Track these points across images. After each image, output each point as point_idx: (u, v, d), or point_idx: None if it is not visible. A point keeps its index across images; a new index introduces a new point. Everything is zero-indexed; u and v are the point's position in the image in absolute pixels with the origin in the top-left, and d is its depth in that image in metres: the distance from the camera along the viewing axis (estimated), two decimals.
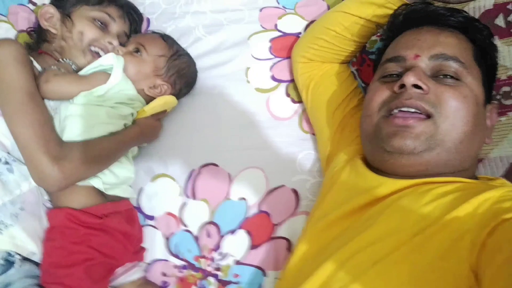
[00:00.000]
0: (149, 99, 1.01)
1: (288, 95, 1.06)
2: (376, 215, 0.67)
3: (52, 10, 1.00)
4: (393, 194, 0.69)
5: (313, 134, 1.02)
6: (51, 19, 1.00)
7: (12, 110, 0.83)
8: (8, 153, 0.87)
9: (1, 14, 1.18)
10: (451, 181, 0.68)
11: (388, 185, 0.70)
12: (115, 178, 0.94)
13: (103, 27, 1.01)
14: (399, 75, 0.75)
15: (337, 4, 1.07)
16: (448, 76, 0.71)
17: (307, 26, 1.09)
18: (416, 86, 0.69)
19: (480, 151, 0.78)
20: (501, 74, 0.91)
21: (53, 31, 0.99)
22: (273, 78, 1.07)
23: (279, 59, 1.09)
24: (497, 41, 0.91)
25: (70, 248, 0.86)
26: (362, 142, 0.81)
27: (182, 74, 1.04)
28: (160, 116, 1.03)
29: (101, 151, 0.88)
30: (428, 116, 0.69)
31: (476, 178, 0.76)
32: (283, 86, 1.07)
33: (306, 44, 0.99)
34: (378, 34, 1.00)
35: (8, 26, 1.17)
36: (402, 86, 0.70)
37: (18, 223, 0.86)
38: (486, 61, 0.77)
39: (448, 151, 0.69)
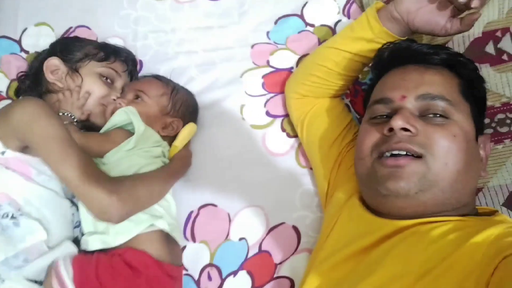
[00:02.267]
0: (167, 140, 1.01)
1: (283, 129, 1.06)
2: (379, 259, 0.66)
3: (58, 63, 1.00)
4: (394, 235, 0.68)
5: (311, 168, 1.02)
6: (57, 72, 1.00)
7: (57, 158, 0.83)
8: (19, 209, 0.86)
9: None
10: (450, 219, 0.67)
11: (388, 227, 0.70)
12: (170, 218, 0.94)
13: (110, 83, 1.01)
14: (388, 116, 0.75)
15: (327, 37, 1.10)
16: (437, 115, 0.71)
17: (299, 60, 1.10)
18: (404, 129, 0.69)
19: (477, 184, 0.77)
20: (495, 102, 0.91)
21: (59, 85, 0.99)
22: (268, 114, 1.08)
23: (273, 94, 1.09)
24: (489, 69, 0.92)
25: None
26: (359, 184, 0.81)
27: (187, 106, 1.05)
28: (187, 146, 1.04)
29: (149, 183, 0.90)
30: (419, 156, 0.69)
31: (476, 211, 0.75)
32: (278, 121, 1.07)
33: (298, 80, 1.00)
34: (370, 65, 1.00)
35: (1, 75, 1.18)
36: (391, 129, 0.70)
37: (21, 275, 0.84)
38: (474, 94, 0.76)
39: (443, 191, 0.68)
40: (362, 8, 1.11)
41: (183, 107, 1.04)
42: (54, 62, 1.00)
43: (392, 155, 0.70)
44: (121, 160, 0.92)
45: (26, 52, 1.19)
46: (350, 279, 0.67)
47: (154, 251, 0.88)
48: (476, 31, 0.94)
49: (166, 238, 0.91)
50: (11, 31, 1.21)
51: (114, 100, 1.01)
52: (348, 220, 0.79)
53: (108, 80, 1.02)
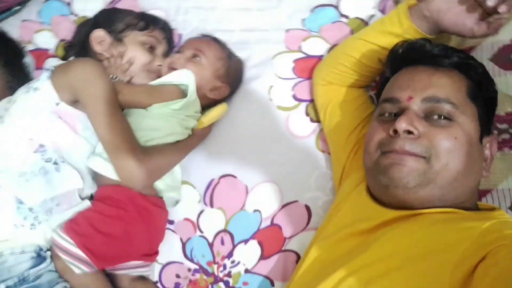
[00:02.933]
0: (205, 103, 1.07)
1: (307, 114, 1.11)
2: (373, 241, 0.71)
3: (103, 34, 1.07)
4: (391, 223, 0.73)
5: (329, 153, 1.07)
6: (103, 43, 1.06)
7: (101, 119, 0.92)
8: (62, 157, 0.95)
9: (45, 23, 1.28)
10: (445, 211, 0.72)
11: (387, 215, 0.75)
12: (172, 181, 1.03)
13: (151, 50, 1.08)
14: (396, 114, 0.78)
15: (359, 29, 1.12)
16: (441, 117, 0.74)
17: (330, 49, 1.14)
18: (408, 131, 0.73)
19: (478, 183, 0.81)
20: None
21: (106, 54, 1.05)
22: (295, 97, 1.12)
23: (301, 79, 1.14)
24: None
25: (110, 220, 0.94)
26: (365, 174, 0.86)
27: (237, 74, 1.11)
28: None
29: (171, 157, 0.99)
30: (423, 157, 0.72)
31: (477, 207, 0.79)
32: (303, 106, 1.12)
33: (326, 67, 1.04)
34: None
35: (50, 34, 1.27)
36: (396, 131, 0.74)
37: (51, 218, 0.93)
38: (483, 95, 0.79)
39: (442, 188, 0.72)
40: (397, 4, 1.14)
41: (233, 75, 1.09)
42: (99, 33, 1.07)
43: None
44: (163, 116, 0.98)
45: (75, 15, 1.27)
46: (346, 256, 0.73)
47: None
48: (506, 38, 0.96)
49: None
50: None
51: (159, 66, 1.08)
52: (353, 205, 0.85)
53: (150, 48, 1.08)
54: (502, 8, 0.76)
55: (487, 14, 0.83)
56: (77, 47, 1.11)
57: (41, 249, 0.91)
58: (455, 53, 0.81)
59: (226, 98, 1.11)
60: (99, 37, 1.07)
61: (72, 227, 0.92)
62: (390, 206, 0.77)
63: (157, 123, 0.99)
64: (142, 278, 1.05)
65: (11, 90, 1.06)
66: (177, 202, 1.07)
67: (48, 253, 0.92)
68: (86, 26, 1.12)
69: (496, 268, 0.56)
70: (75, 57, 1.11)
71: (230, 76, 1.09)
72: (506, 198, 0.90)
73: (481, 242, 0.61)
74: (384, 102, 0.82)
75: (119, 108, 0.95)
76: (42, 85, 0.95)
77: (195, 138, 1.06)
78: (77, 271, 0.90)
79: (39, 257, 0.90)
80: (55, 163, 0.94)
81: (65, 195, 0.95)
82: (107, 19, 1.11)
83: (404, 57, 0.84)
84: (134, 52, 1.06)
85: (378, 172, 0.77)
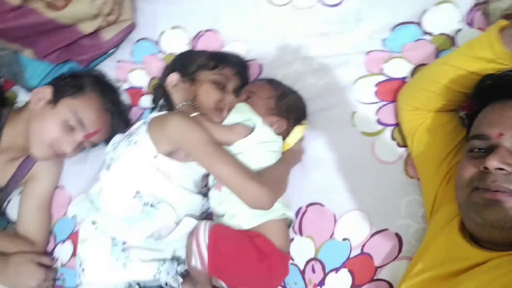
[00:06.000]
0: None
1: (393, 139, 1.10)
2: (458, 284, 0.70)
3: (177, 77, 1.15)
4: (481, 265, 0.71)
5: (418, 179, 1.04)
6: (177, 86, 1.14)
7: (212, 159, 1.00)
8: (158, 202, 1.04)
9: (138, 62, 1.39)
10: None
11: (478, 256, 0.73)
12: (283, 198, 1.07)
13: (222, 87, 1.14)
14: (487, 150, 0.76)
15: (445, 46, 1.09)
16: None
17: (414, 69, 1.11)
18: (500, 169, 0.70)
19: None
20: None
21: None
22: (379, 122, 1.12)
23: (385, 102, 1.12)
24: None
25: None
26: (459, 209, 0.83)
27: (291, 110, 1.14)
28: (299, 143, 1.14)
29: (280, 174, 1.05)
30: None
31: None
32: (388, 130, 1.10)
33: (412, 93, 1.02)
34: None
35: (143, 72, 1.37)
36: (486, 167, 0.72)
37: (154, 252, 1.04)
38: None
39: None
40: (487, 16, 1.08)
41: (286, 111, 1.12)
42: (174, 77, 1.15)
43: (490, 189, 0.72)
44: (251, 150, 1.04)
45: (164, 53, 1.36)
46: None
47: (279, 240, 1.01)
48: None
49: (288, 228, 1.05)
50: (150, 33, 1.39)
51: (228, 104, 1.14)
52: (445, 242, 0.83)
53: (220, 85, 1.14)
54: None
55: None
56: (162, 88, 1.19)
57: (130, 285, 1.03)
58: None
59: (288, 131, 1.11)
60: (174, 80, 1.14)
61: (216, 232, 1.00)
62: (486, 244, 0.75)
63: (248, 156, 1.04)
64: None
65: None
66: (292, 222, 1.10)
67: (136, 286, 1.03)
68: (167, 70, 1.21)
69: None
70: (163, 98, 1.19)
71: (283, 112, 1.11)
72: None
73: None
74: (473, 139, 0.80)
75: (218, 144, 1.02)
76: (141, 139, 1.04)
77: (291, 156, 1.10)
78: (192, 263, 0.99)
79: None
80: (152, 205, 1.04)
81: (164, 227, 1.05)
82: (182, 62, 1.20)
83: (493, 92, 0.81)
84: (205, 91, 1.12)
85: (471, 210, 0.75)
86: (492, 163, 0.71)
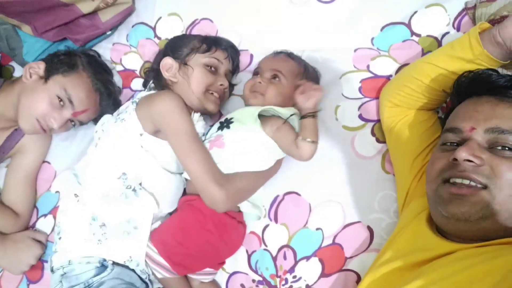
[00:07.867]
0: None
1: (373, 134, 1.11)
2: (423, 273, 0.71)
3: (171, 61, 1.16)
4: (447, 255, 0.72)
5: (394, 175, 1.06)
6: (171, 69, 1.16)
7: (185, 151, 1.02)
8: (140, 183, 1.07)
9: (133, 46, 1.41)
10: (508, 242, 0.69)
11: (443, 247, 0.74)
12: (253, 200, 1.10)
13: (214, 71, 1.16)
14: (458, 144, 0.78)
15: (431, 48, 1.11)
16: (505, 148, 0.73)
17: (399, 69, 1.13)
18: (468, 161, 0.72)
19: None
20: None
21: (173, 79, 1.15)
22: (361, 117, 1.13)
23: (368, 99, 1.14)
24: None
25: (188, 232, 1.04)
26: (428, 202, 0.85)
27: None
28: None
29: (250, 182, 1.05)
30: (484, 186, 0.71)
31: None
32: (369, 126, 1.12)
33: (393, 90, 1.04)
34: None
35: (137, 56, 1.40)
36: (456, 159, 0.74)
37: (129, 239, 1.06)
38: None
39: (506, 220, 0.71)
40: (474, 21, 1.09)
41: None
42: (167, 61, 1.16)
43: (456, 184, 0.74)
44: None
45: (159, 38, 1.39)
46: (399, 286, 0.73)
47: None
48: None
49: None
50: (148, 18, 1.42)
51: (221, 85, 1.16)
52: (412, 233, 0.84)
53: (212, 69, 1.16)
54: None
55: None
56: (154, 72, 1.21)
57: (104, 260, 1.05)
58: None
59: None
60: (167, 65, 1.16)
61: (157, 237, 1.05)
62: (451, 236, 0.76)
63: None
64: (211, 282, 1.13)
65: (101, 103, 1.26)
66: (259, 217, 1.12)
67: (110, 262, 1.05)
68: (160, 54, 1.23)
69: None
70: (153, 80, 1.21)
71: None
72: None
73: None
74: (446, 132, 0.82)
75: (198, 138, 1.04)
76: (129, 116, 1.07)
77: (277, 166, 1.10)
78: (159, 276, 1.04)
79: (102, 267, 1.04)
80: (134, 190, 1.06)
81: (142, 219, 1.07)
82: (174, 46, 1.21)
83: (469, 87, 0.83)
84: (198, 74, 1.13)
85: (437, 203, 0.77)
86: (461, 154, 0.73)
